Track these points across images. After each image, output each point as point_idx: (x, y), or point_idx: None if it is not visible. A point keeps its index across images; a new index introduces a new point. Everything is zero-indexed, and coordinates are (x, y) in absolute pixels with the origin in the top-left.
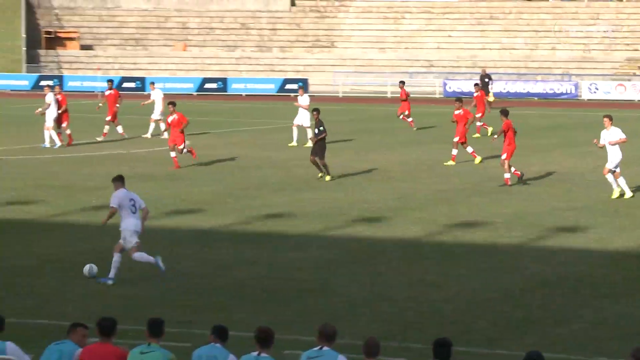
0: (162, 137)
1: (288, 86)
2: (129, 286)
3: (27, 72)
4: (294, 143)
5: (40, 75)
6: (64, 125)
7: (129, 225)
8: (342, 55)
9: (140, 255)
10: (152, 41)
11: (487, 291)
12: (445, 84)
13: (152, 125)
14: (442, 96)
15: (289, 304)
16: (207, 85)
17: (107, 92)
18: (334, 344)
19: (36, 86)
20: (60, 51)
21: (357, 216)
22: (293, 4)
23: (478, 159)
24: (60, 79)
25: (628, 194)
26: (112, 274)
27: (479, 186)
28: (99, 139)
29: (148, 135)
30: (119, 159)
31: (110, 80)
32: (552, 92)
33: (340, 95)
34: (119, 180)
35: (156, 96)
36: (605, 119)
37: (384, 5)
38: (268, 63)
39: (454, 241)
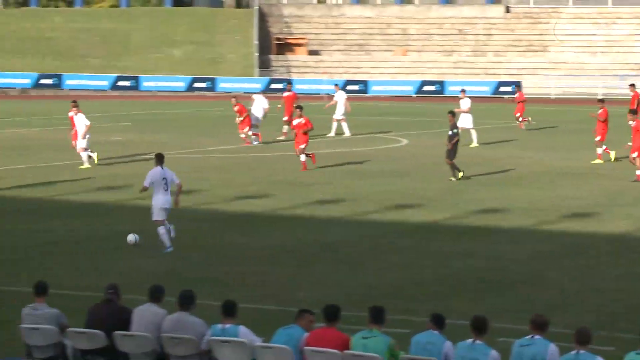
0: (344, 135)
1: (502, 88)
2: (360, 276)
3: (259, 76)
4: (475, 144)
5: (271, 79)
6: (245, 129)
7: (158, 202)
8: (554, 59)
9: (162, 231)
10: (375, 46)
11: None
12: None
13: (335, 125)
14: None
15: (504, 294)
16: (426, 88)
17: (286, 94)
18: (546, 333)
19: (267, 89)
20: (289, 56)
21: (566, 212)
22: (507, 10)
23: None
24: (289, 82)
25: None
26: (167, 244)
27: None
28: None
29: (346, 134)
30: (335, 157)
31: (289, 83)
32: None
33: (552, 97)
34: (158, 159)
35: (339, 97)
36: None
37: (595, 12)
38: (483, 67)
39: None
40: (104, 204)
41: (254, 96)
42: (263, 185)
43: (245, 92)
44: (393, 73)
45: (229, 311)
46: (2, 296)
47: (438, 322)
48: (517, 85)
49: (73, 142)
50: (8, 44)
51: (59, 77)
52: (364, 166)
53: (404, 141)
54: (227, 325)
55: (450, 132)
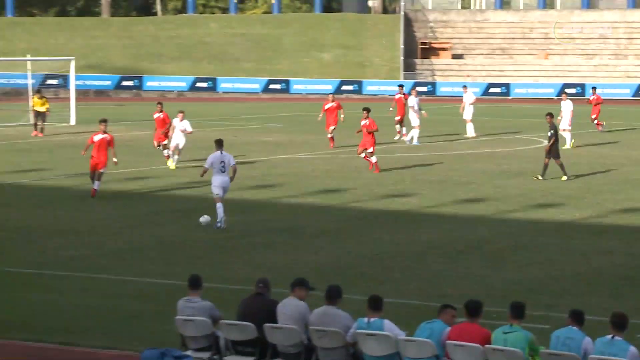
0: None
1: None
2: (502, 272)
3: (404, 79)
4: (567, 146)
5: (415, 82)
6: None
7: (215, 182)
8: None
9: (219, 206)
10: (517, 50)
11: None
12: None
13: (470, 126)
14: None
15: None
16: (567, 91)
17: (398, 96)
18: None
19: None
20: (433, 60)
21: None
22: None
23: None
24: (433, 85)
25: None
26: (218, 218)
27: None
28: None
29: (469, 134)
30: (488, 157)
31: (400, 86)
32: None
33: None
34: (217, 144)
35: (468, 99)
36: None
37: None
38: (624, 70)
39: None
40: (258, 201)
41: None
42: (409, 184)
43: (390, 95)
44: (535, 76)
45: (375, 305)
46: (157, 289)
47: (578, 318)
48: (594, 88)
49: (155, 141)
50: (166, 49)
51: (213, 80)
52: (505, 166)
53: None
54: (373, 319)
55: (549, 133)
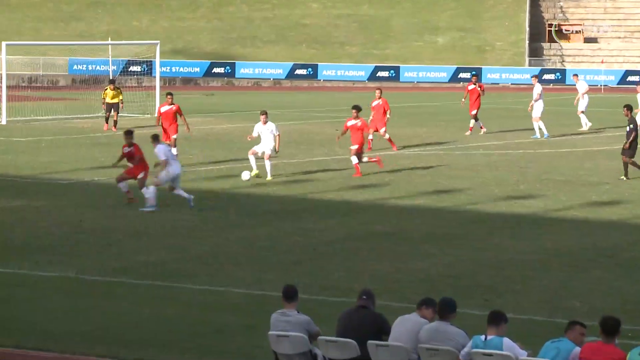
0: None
1: None
2: (639, 284)
3: (530, 65)
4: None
5: (542, 69)
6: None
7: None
8: None
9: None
10: None
11: None
12: None
13: (583, 118)
14: None
15: None
16: None
17: (470, 87)
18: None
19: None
20: (563, 44)
21: None
22: None
23: None
24: (562, 72)
25: None
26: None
27: None
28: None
29: (584, 128)
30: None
31: (474, 75)
32: None
33: None
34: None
35: (581, 88)
36: None
37: None
38: None
39: None
40: (361, 203)
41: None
42: (533, 184)
43: (513, 84)
44: None
45: (495, 320)
46: (247, 300)
47: None
48: None
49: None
50: (260, 32)
51: (314, 67)
52: None
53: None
54: (491, 337)
55: (627, 128)
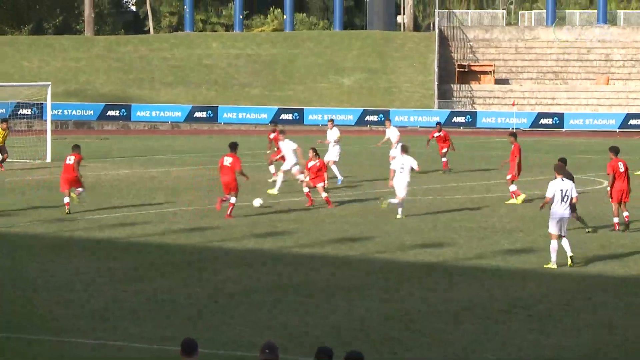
0: None
1: None
2: (553, 336)
3: (439, 108)
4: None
5: (452, 112)
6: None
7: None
8: None
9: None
10: (572, 74)
11: None
12: None
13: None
14: None
15: None
16: (632, 122)
17: (436, 134)
18: None
19: (448, 122)
20: (473, 85)
21: None
22: None
23: None
24: (473, 115)
25: None
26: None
27: None
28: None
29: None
30: (537, 200)
31: (439, 123)
32: None
33: None
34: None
35: (393, 135)
36: None
37: None
38: None
39: None
40: (264, 252)
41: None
42: (443, 232)
43: (422, 127)
44: (593, 105)
45: None
46: (145, 356)
47: None
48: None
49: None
50: (158, 73)
51: (214, 109)
52: None
53: (605, 183)
54: None
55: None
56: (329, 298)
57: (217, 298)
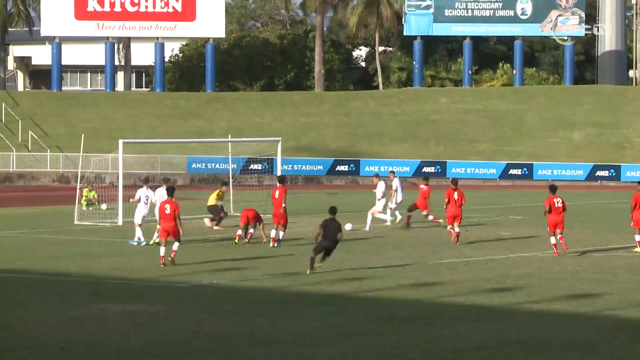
0: None
1: None
2: None
3: None
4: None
5: None
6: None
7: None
8: None
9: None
10: None
11: None
12: None
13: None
14: None
15: None
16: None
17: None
18: None
19: None
20: None
21: None
22: None
23: None
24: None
25: None
26: None
27: None
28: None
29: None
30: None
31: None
32: None
33: None
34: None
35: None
36: None
37: None
38: None
39: None
40: (493, 307)
41: None
42: None
43: None
44: None
45: None
46: None
47: None
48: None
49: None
50: (387, 128)
51: (442, 164)
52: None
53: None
54: None
55: None
56: (559, 354)
57: (446, 354)
